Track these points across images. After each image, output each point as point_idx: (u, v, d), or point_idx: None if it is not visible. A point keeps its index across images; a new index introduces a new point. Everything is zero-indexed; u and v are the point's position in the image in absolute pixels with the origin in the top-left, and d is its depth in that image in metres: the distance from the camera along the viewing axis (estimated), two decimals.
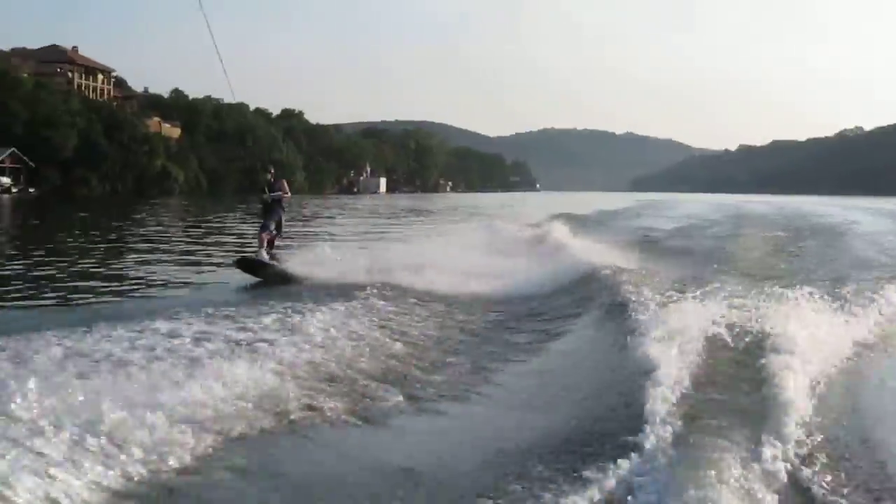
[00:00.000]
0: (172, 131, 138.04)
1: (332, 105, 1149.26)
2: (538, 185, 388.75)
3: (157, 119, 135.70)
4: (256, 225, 22.34)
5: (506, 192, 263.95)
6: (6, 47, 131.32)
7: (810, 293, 13.15)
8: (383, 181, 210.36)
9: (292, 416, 7.88)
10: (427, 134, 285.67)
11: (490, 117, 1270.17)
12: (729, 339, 10.12)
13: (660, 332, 10.05)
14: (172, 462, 6.40)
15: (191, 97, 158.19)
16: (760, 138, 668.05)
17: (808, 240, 35.68)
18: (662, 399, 7.47)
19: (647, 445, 6.43)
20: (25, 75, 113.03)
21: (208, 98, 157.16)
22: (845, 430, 7.74)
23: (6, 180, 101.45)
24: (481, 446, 7.32)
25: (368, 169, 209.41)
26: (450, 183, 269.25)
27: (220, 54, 20.21)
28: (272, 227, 20.27)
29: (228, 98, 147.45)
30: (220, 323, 11.96)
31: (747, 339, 10.10)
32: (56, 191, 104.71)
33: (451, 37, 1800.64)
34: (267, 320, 12.11)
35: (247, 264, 20.25)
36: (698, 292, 13.08)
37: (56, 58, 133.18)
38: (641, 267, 19.92)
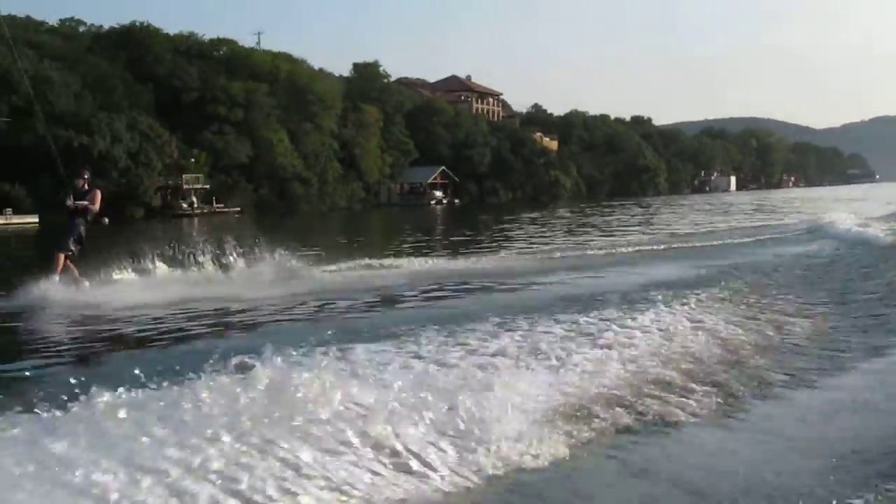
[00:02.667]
0: (551, 144, 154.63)
1: (654, 107, 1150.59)
2: (878, 177, 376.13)
3: (539, 134, 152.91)
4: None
5: (845, 185, 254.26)
6: (408, 81, 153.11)
7: None
8: (733, 179, 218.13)
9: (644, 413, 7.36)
10: (766, 132, 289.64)
11: (816, 109, 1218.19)
12: None
13: None
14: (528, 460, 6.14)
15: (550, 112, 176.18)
16: None
17: None
18: None
19: None
20: (447, 104, 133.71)
21: (574, 111, 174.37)
22: None
23: (439, 193, 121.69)
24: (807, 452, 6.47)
25: (718, 168, 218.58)
26: (792, 178, 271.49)
27: None
28: (71, 244, 16.75)
29: (592, 111, 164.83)
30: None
31: None
32: (473, 200, 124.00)
33: (765, 28, 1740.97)
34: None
35: None
36: None
37: (457, 87, 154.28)
38: None
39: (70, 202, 16.73)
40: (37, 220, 67.12)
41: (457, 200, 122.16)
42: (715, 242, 30.28)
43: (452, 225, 59.56)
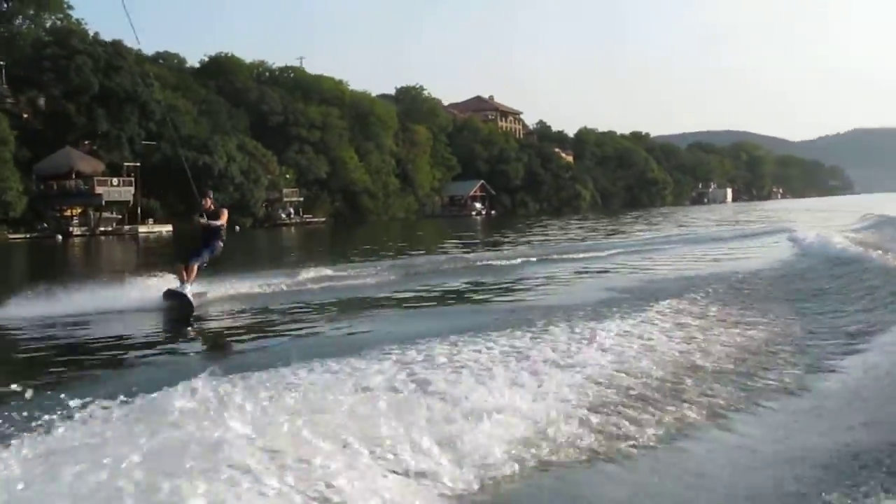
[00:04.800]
0: (568, 159, 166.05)
1: (632, 121, 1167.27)
2: (857, 188, 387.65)
3: (557, 149, 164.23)
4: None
5: (828, 196, 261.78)
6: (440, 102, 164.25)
7: None
8: (729, 191, 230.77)
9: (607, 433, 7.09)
10: (754, 145, 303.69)
11: (792, 121, 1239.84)
12: None
13: None
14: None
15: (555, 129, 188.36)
16: None
17: None
18: None
19: None
20: (482, 123, 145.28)
21: (585, 128, 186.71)
22: None
23: (479, 205, 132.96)
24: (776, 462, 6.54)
25: (716, 181, 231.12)
26: (780, 190, 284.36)
27: None
28: (206, 258, 18.30)
29: (601, 128, 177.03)
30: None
31: None
32: (507, 211, 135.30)
33: (737, 45, 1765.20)
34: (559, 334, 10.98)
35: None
36: None
37: (482, 106, 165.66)
38: None
39: (203, 220, 18.10)
40: (171, 228, 77.82)
41: (493, 212, 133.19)
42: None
43: (530, 228, 65.16)
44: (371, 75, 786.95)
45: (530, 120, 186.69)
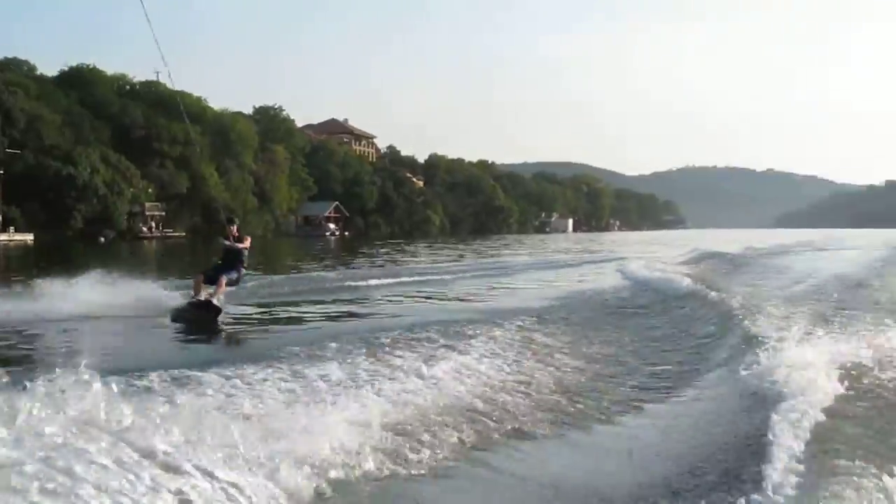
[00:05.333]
0: (418, 183, 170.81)
1: (480, 149, 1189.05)
2: (688, 224, 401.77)
3: (408, 175, 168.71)
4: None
5: (662, 230, 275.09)
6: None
7: None
8: (570, 222, 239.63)
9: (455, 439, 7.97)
10: (594, 178, 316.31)
11: (627, 156, 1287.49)
12: (867, 376, 9.86)
13: (793, 367, 9.82)
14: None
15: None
16: None
17: None
18: (792, 433, 7.32)
19: (775, 479, 6.33)
20: (337, 146, 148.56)
21: (436, 154, 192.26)
22: None
23: (332, 226, 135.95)
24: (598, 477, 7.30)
25: (559, 212, 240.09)
26: (617, 223, 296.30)
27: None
28: (235, 277, 19.47)
29: (451, 155, 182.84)
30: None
31: (887, 378, 9.77)
32: (360, 233, 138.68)
33: (578, 79, 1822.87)
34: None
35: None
36: (838, 329, 13.72)
37: (337, 129, 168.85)
38: (786, 304, 19.11)
39: (229, 243, 19.44)
40: (32, 237, 78.03)
41: (347, 233, 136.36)
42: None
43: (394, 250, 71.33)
44: (228, 93, 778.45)
45: (383, 144, 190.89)
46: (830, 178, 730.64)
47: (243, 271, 19.84)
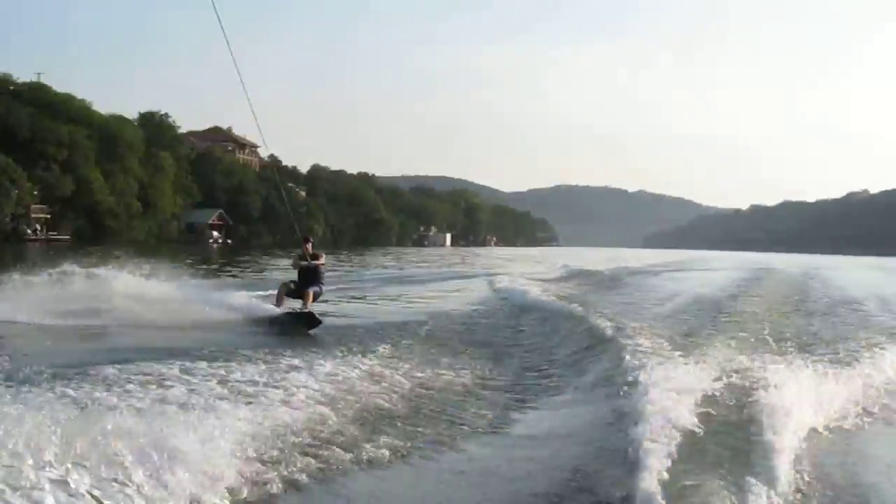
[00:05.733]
0: (301, 194, 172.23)
1: (361, 161, 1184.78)
2: (561, 241, 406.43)
3: (291, 185, 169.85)
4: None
5: (535, 246, 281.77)
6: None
7: (811, 352, 14.56)
8: (448, 236, 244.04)
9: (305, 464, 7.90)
10: (472, 193, 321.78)
11: (505, 173, 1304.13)
12: (725, 394, 10.27)
13: (656, 385, 10.25)
14: None
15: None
16: (771, 199, 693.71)
17: (819, 300, 33.49)
18: (653, 451, 7.63)
19: (642, 497, 6.73)
20: (223, 154, 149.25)
21: (318, 165, 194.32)
22: (837, 481, 8.00)
23: (216, 234, 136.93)
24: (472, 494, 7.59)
25: (437, 226, 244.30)
26: (494, 238, 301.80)
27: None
28: (321, 289, 20.18)
29: (333, 166, 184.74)
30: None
31: (743, 396, 10.21)
32: (243, 242, 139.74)
33: (462, 92, 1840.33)
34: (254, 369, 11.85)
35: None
36: (698, 349, 14.23)
37: (221, 137, 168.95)
38: (651, 324, 19.63)
39: (304, 262, 19.83)
40: None
41: (230, 241, 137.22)
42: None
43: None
44: (111, 95, 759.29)
45: (266, 152, 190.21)
46: (697, 201, 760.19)
47: (324, 287, 20.43)
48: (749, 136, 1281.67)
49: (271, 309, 19.73)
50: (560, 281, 40.88)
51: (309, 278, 19.96)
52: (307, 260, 19.97)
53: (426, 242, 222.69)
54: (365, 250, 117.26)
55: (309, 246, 20.09)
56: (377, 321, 20.80)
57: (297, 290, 19.90)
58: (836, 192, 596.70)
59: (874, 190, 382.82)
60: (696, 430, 8.63)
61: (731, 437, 8.63)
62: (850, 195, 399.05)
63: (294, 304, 19.81)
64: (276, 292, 20.49)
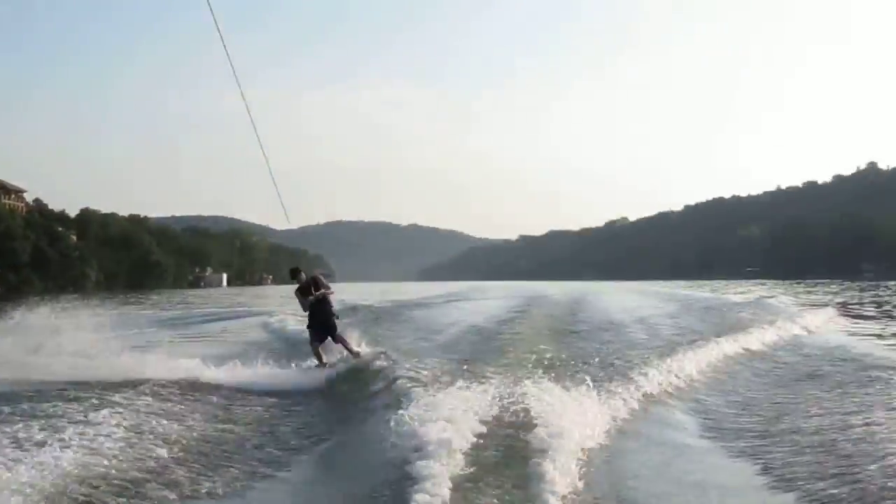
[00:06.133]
0: (72, 238, 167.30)
1: (124, 203, 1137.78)
2: (336, 277, 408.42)
3: (61, 229, 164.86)
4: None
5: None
6: None
7: (578, 375, 15.04)
8: (225, 276, 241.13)
9: None
10: (249, 233, 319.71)
11: (277, 211, 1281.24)
12: (498, 420, 10.74)
13: (433, 415, 10.42)
14: None
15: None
16: (539, 229, 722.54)
17: (583, 322, 35.15)
18: (431, 478, 8.08)
19: None
20: None
21: (89, 209, 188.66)
22: (603, 492, 8.72)
23: None
24: None
25: (212, 266, 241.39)
26: (270, 277, 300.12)
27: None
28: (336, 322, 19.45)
29: (104, 208, 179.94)
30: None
31: (515, 421, 10.69)
32: (12, 289, 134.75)
33: (226, 131, 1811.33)
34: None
35: None
36: (473, 378, 14.36)
37: None
38: (430, 353, 20.64)
39: (312, 297, 19.24)
40: None
41: None
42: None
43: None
44: None
45: (30, 197, 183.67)
46: (469, 233, 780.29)
47: (336, 322, 19.67)
48: (505, 170, 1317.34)
49: (321, 372, 18.62)
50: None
51: (322, 312, 19.44)
52: (311, 293, 19.35)
53: (203, 283, 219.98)
54: (141, 295, 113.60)
55: (302, 276, 19.73)
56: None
57: (323, 336, 19.39)
58: (597, 220, 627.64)
59: (633, 217, 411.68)
60: (472, 451, 9.30)
61: (502, 469, 9.04)
62: (610, 223, 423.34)
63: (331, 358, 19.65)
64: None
